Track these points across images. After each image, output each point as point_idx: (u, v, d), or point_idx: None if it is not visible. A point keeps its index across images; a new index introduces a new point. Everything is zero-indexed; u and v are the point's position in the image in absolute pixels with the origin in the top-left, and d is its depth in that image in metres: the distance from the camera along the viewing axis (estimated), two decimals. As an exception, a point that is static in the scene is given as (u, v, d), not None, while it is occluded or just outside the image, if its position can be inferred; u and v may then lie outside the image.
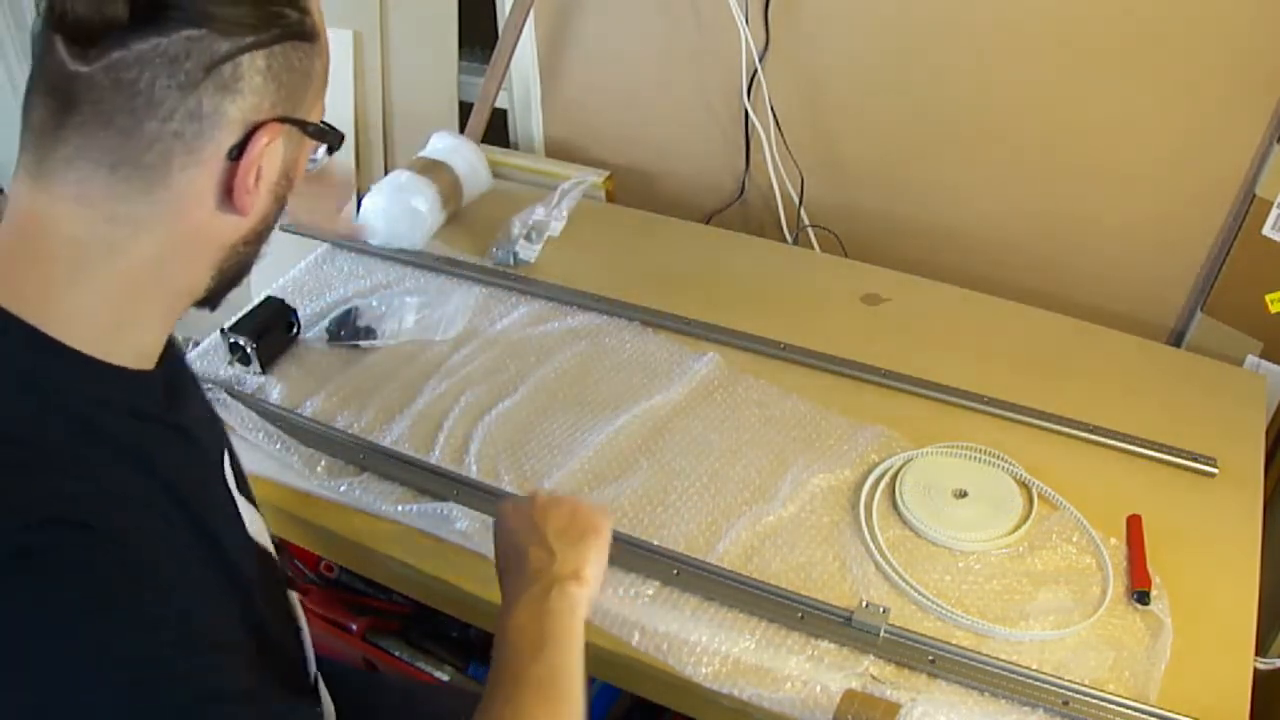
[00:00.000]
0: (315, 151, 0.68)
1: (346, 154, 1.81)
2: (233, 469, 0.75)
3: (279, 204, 0.66)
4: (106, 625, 0.52)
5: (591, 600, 0.76)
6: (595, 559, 0.77)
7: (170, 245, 0.60)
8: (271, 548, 0.77)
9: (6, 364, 0.58)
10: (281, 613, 0.77)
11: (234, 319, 1.22)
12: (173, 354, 0.70)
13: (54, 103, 0.56)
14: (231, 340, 1.19)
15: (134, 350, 0.63)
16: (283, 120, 0.61)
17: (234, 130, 0.59)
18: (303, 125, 0.64)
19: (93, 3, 0.54)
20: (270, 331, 1.21)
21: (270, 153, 0.61)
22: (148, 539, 0.57)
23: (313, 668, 0.83)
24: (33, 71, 0.58)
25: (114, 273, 0.59)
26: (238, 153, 0.60)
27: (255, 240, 0.66)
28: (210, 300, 0.67)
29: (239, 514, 0.72)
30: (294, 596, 0.81)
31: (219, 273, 0.65)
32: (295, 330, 1.25)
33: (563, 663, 0.69)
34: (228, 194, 0.61)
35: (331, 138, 0.67)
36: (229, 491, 0.73)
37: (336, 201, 1.31)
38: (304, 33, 0.61)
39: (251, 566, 0.70)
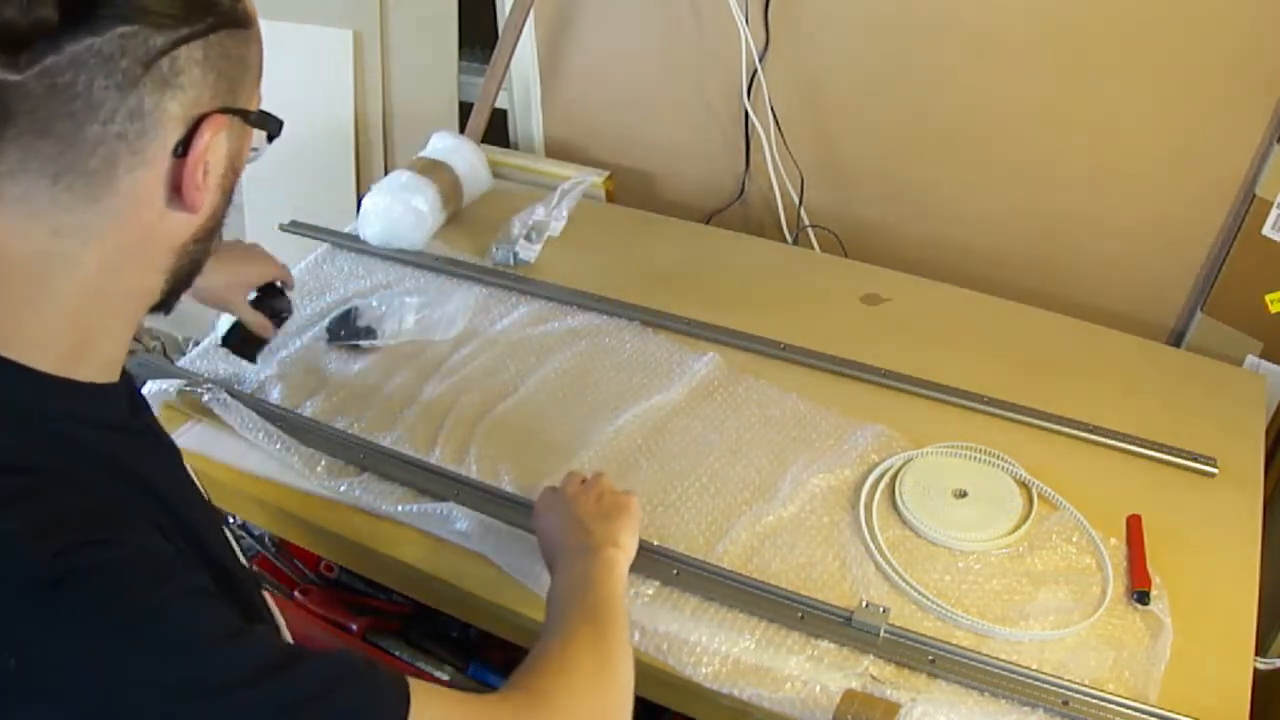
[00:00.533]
0: (255, 142, 0.66)
1: (346, 154, 1.82)
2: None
3: (226, 197, 0.64)
4: (153, 632, 0.52)
5: (628, 563, 0.85)
6: (628, 530, 0.87)
7: (121, 251, 0.59)
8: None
9: None
10: (262, 613, 0.78)
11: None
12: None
13: None
14: (227, 339, 1.18)
15: (100, 364, 0.62)
16: (224, 111, 0.60)
17: (177, 126, 0.57)
18: (244, 114, 0.62)
19: (19, 6, 0.51)
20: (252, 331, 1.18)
21: (215, 145, 0.60)
22: (159, 547, 0.58)
23: None
24: None
25: (70, 287, 0.58)
26: (183, 149, 0.58)
27: (205, 237, 0.64)
28: (165, 304, 0.65)
29: (213, 515, 0.73)
30: (267, 597, 0.81)
31: (172, 274, 0.63)
32: (285, 315, 1.20)
33: (606, 602, 0.77)
34: (177, 192, 0.59)
35: (271, 124, 0.65)
36: (199, 492, 0.73)
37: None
38: (238, 19, 0.59)
39: (235, 565, 0.71)
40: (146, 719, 0.51)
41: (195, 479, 0.74)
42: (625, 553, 0.84)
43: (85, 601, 0.51)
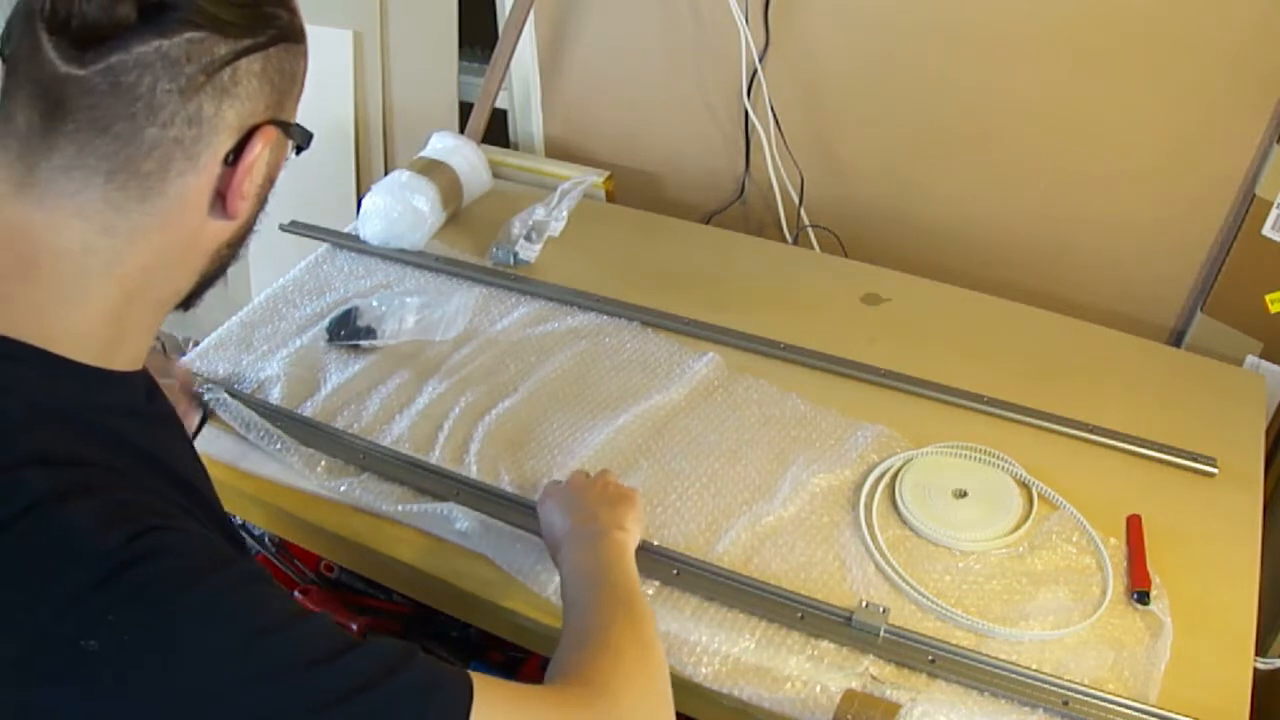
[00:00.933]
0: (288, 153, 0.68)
1: (346, 154, 1.82)
2: None
3: (261, 206, 0.66)
4: (227, 612, 0.53)
5: (634, 548, 0.85)
6: (633, 517, 0.87)
7: (163, 253, 0.60)
8: None
9: (30, 393, 0.57)
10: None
11: None
12: None
13: (43, 106, 0.54)
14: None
15: (129, 356, 0.63)
16: (273, 123, 0.61)
17: (231, 135, 0.59)
18: (286, 127, 0.63)
19: (103, 4, 0.53)
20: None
21: (261, 156, 0.61)
22: (201, 528, 0.59)
23: None
24: (8, 75, 0.56)
25: (111, 285, 0.59)
26: (234, 157, 0.59)
27: (238, 243, 0.66)
28: (188, 303, 0.67)
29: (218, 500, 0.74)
30: None
31: (201, 276, 0.65)
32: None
33: (628, 583, 0.78)
34: (220, 198, 0.60)
35: (305, 138, 0.66)
36: (207, 475, 0.74)
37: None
38: (294, 34, 0.61)
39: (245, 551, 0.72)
40: (224, 698, 0.51)
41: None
42: (632, 537, 0.86)
43: (160, 582, 0.52)
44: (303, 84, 0.65)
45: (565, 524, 0.86)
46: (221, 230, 0.63)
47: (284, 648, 0.53)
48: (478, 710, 0.56)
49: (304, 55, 0.63)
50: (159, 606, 0.51)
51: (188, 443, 0.73)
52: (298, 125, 0.65)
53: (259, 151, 0.60)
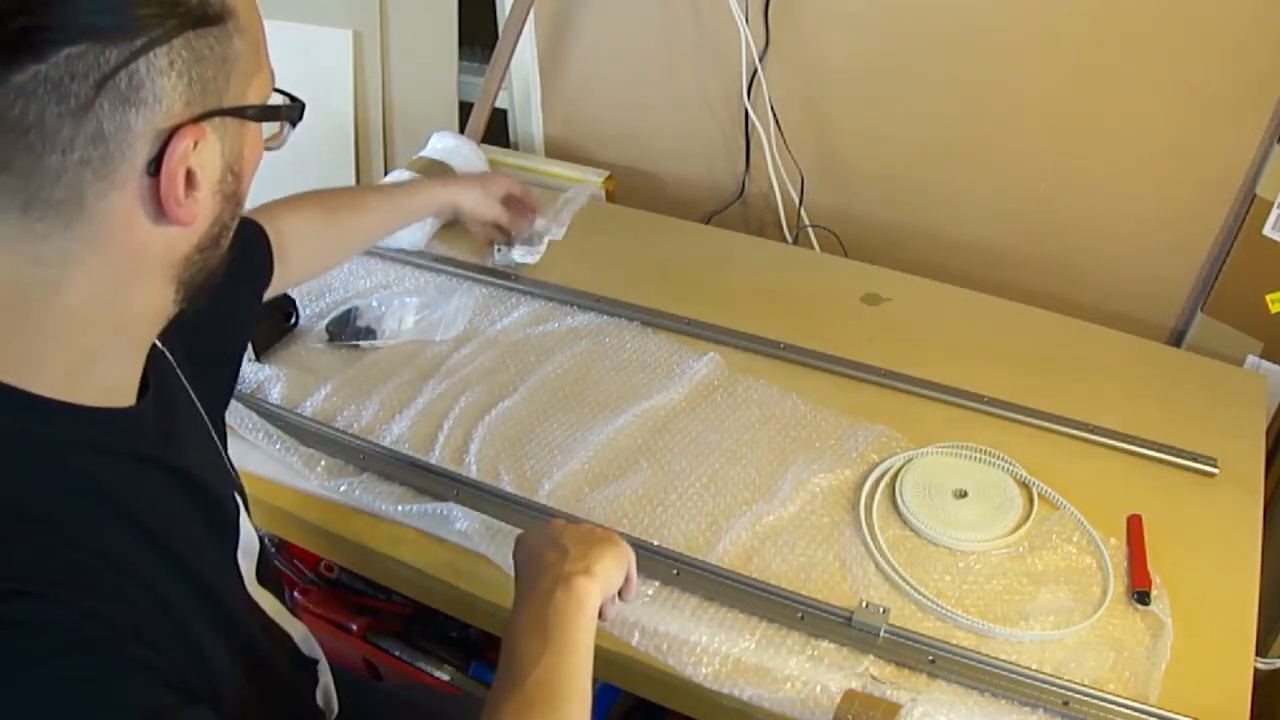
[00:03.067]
0: (269, 131, 0.62)
1: (346, 154, 1.82)
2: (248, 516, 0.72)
3: (231, 202, 0.60)
4: (62, 693, 0.48)
5: (604, 596, 0.74)
6: (609, 558, 0.76)
7: (110, 273, 0.55)
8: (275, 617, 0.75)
9: None
10: (280, 651, 0.75)
11: None
12: (166, 391, 0.66)
13: None
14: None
15: (103, 386, 0.59)
16: (205, 117, 0.55)
17: (146, 143, 0.53)
18: (238, 113, 0.57)
19: None
20: (265, 319, 1.21)
21: (202, 154, 0.55)
22: (104, 607, 0.52)
23: (334, 704, 0.82)
24: None
25: (55, 314, 0.55)
26: (155, 167, 0.54)
27: (211, 245, 0.60)
28: (185, 313, 0.62)
29: (238, 566, 0.70)
30: (301, 628, 0.79)
31: (181, 285, 0.59)
32: (294, 320, 1.25)
33: (566, 664, 0.67)
34: (159, 209, 0.55)
35: (289, 112, 0.61)
36: (234, 537, 0.70)
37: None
38: (207, 17, 0.54)
39: (245, 608, 0.68)
40: None
41: (244, 530, 0.71)
42: (599, 582, 0.74)
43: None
44: (253, 61, 0.58)
45: (533, 557, 0.76)
46: (180, 237, 0.57)
47: None
48: None
49: (237, 33, 0.56)
50: None
51: (208, 503, 0.67)
52: (256, 106, 0.59)
53: (182, 154, 0.54)
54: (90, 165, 0.52)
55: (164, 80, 0.52)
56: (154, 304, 0.59)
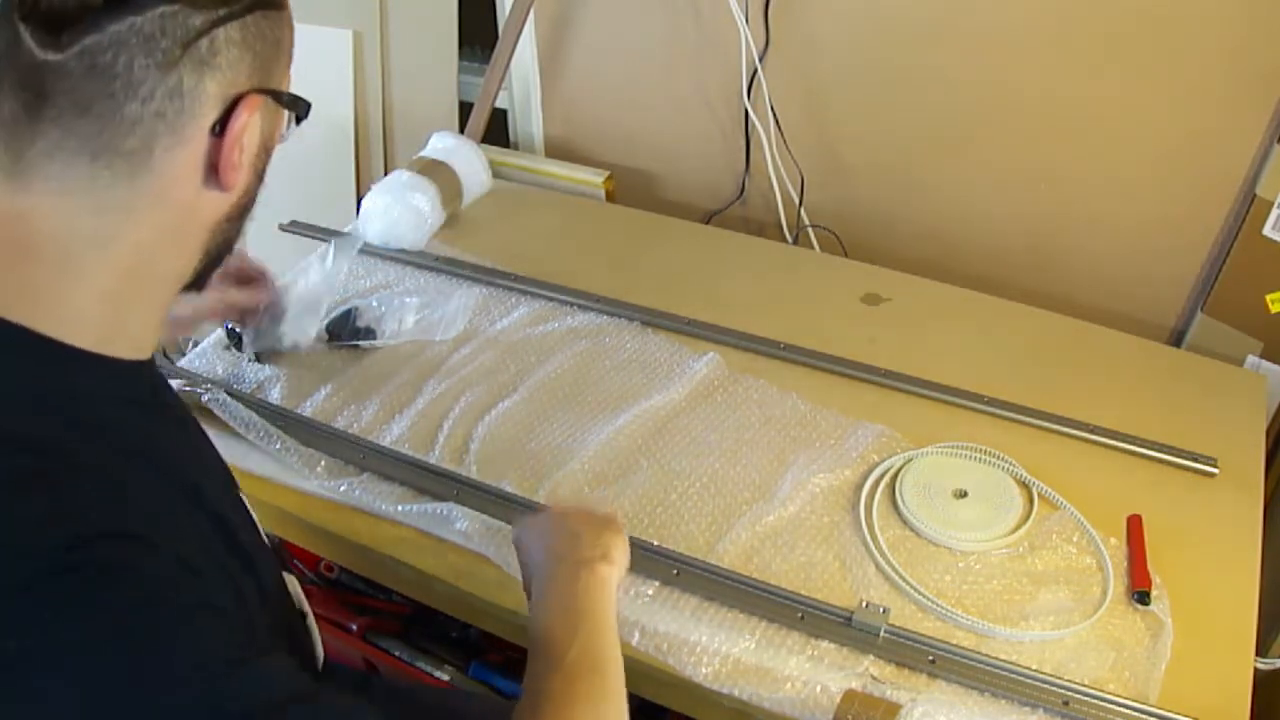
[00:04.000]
0: (286, 126, 0.67)
1: (346, 154, 1.82)
2: None
3: (259, 177, 0.66)
4: (162, 639, 0.51)
5: (620, 580, 0.77)
6: (619, 545, 0.79)
7: (159, 230, 0.60)
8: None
9: (11, 374, 0.56)
10: (286, 598, 0.77)
11: None
12: None
13: (25, 95, 0.55)
14: (228, 326, 1.19)
15: (132, 342, 0.62)
16: (259, 91, 0.61)
17: (215, 105, 0.59)
18: (277, 95, 0.63)
19: None
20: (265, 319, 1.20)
21: (251, 125, 0.61)
22: (181, 538, 0.57)
23: (320, 652, 0.83)
24: None
25: (105, 265, 0.59)
26: (220, 128, 0.59)
27: (239, 216, 0.65)
28: (197, 283, 0.66)
29: (240, 497, 0.72)
30: (293, 581, 0.81)
31: (205, 253, 0.65)
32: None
33: (601, 639, 0.70)
34: (213, 171, 0.60)
35: (301, 107, 0.66)
36: (229, 472, 0.73)
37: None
38: (271, 2, 0.61)
39: (257, 548, 0.70)
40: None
41: (220, 457, 0.74)
42: (618, 567, 0.77)
43: (93, 598, 0.50)
44: (290, 53, 0.64)
45: (542, 549, 0.78)
46: (219, 203, 0.63)
47: (194, 696, 0.50)
48: None
49: (287, 24, 0.63)
50: (83, 623, 0.49)
51: (201, 440, 0.72)
52: (290, 94, 0.65)
53: (245, 120, 0.60)
54: (164, 119, 0.57)
55: (235, 51, 0.58)
56: (184, 266, 0.64)
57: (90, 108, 0.55)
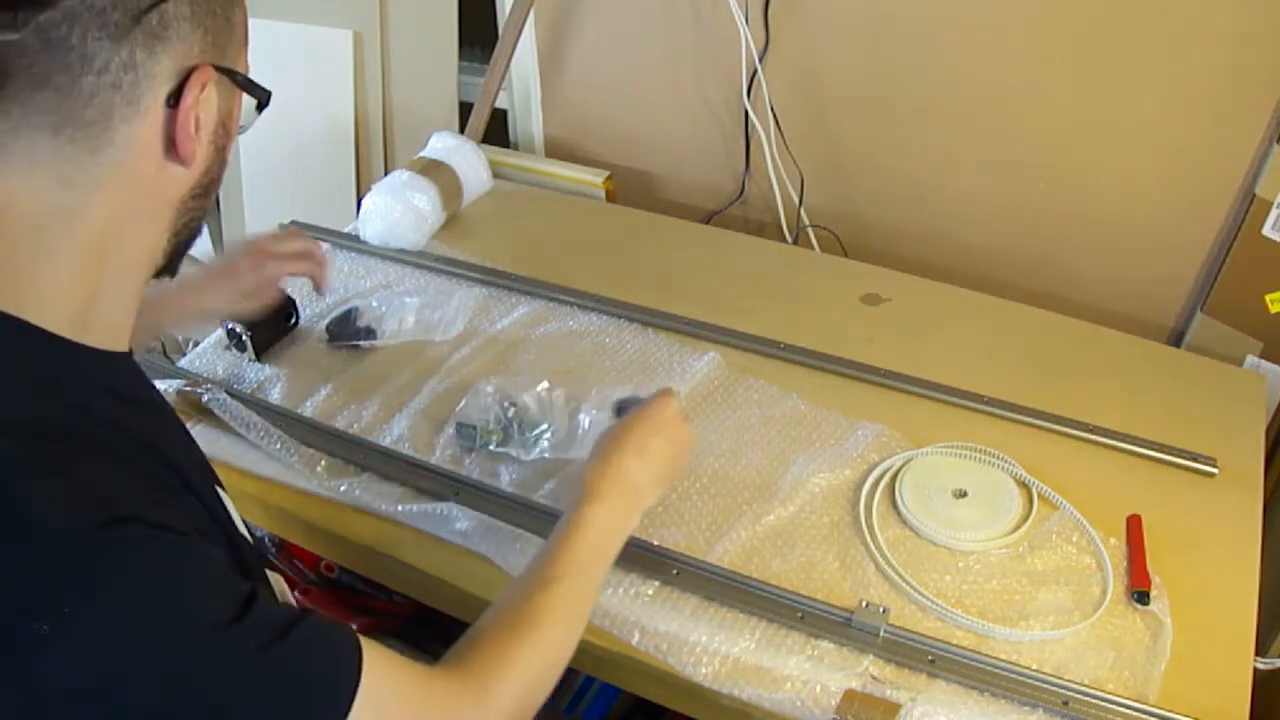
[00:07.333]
0: (244, 117, 0.68)
1: (346, 154, 1.82)
2: None
3: (220, 156, 0.67)
4: (182, 608, 0.54)
5: (642, 509, 0.87)
6: (666, 479, 0.90)
7: (124, 204, 0.61)
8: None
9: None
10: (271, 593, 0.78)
11: None
12: None
13: None
14: (229, 327, 1.19)
15: (107, 329, 0.63)
16: (213, 67, 0.62)
17: (168, 78, 0.60)
18: (231, 74, 0.65)
19: None
20: (267, 319, 1.21)
21: (205, 100, 0.62)
22: (177, 522, 0.58)
23: None
24: None
25: (75, 241, 0.60)
26: (175, 99, 0.61)
27: (202, 194, 0.67)
28: (169, 267, 0.68)
29: (221, 495, 0.73)
30: (278, 579, 0.81)
31: (173, 233, 0.66)
32: (294, 320, 1.25)
33: (585, 546, 0.79)
34: (171, 143, 0.62)
35: (260, 92, 0.68)
36: (212, 470, 0.74)
37: None
38: None
39: (247, 548, 0.71)
40: (142, 699, 0.52)
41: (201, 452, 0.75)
42: (648, 497, 0.87)
43: (118, 577, 0.52)
44: (245, 35, 0.66)
45: (590, 464, 0.87)
46: (181, 178, 0.64)
47: (205, 656, 0.54)
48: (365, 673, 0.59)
49: (239, 4, 0.65)
50: (112, 601, 0.51)
51: (185, 437, 0.73)
52: (246, 77, 0.66)
53: (197, 92, 0.61)
54: (120, 90, 0.58)
55: (186, 25, 0.60)
56: (153, 247, 0.65)
57: (48, 81, 0.56)
